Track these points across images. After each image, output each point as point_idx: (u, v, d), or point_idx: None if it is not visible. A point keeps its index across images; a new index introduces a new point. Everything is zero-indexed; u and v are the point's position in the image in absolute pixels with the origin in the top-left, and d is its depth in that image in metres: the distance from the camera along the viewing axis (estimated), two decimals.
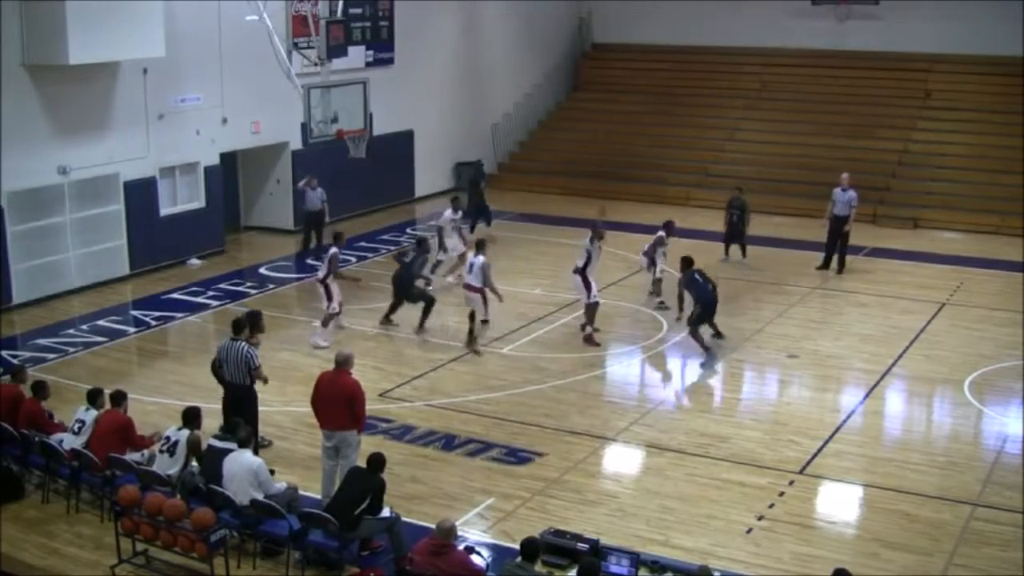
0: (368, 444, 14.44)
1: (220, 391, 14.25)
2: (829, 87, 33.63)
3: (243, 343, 13.91)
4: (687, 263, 19.31)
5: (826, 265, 24.04)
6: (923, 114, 32.26)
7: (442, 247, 22.84)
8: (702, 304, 18.84)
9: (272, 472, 12.45)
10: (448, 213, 22.95)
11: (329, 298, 19.26)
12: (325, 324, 19.38)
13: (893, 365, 18.38)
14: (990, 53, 31.76)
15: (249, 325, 14.38)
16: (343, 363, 13.14)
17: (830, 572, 10.08)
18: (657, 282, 21.48)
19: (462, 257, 22.17)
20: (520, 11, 35.09)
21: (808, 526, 13.03)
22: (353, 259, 24.62)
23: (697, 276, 19.04)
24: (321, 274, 19.41)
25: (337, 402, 12.94)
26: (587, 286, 19.36)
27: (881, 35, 33.38)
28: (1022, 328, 19.95)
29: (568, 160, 33.26)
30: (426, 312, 19.85)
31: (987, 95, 31.61)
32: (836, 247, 23.94)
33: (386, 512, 11.78)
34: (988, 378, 17.78)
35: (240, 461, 12.08)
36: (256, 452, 12.95)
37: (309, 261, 24.65)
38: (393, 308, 20.02)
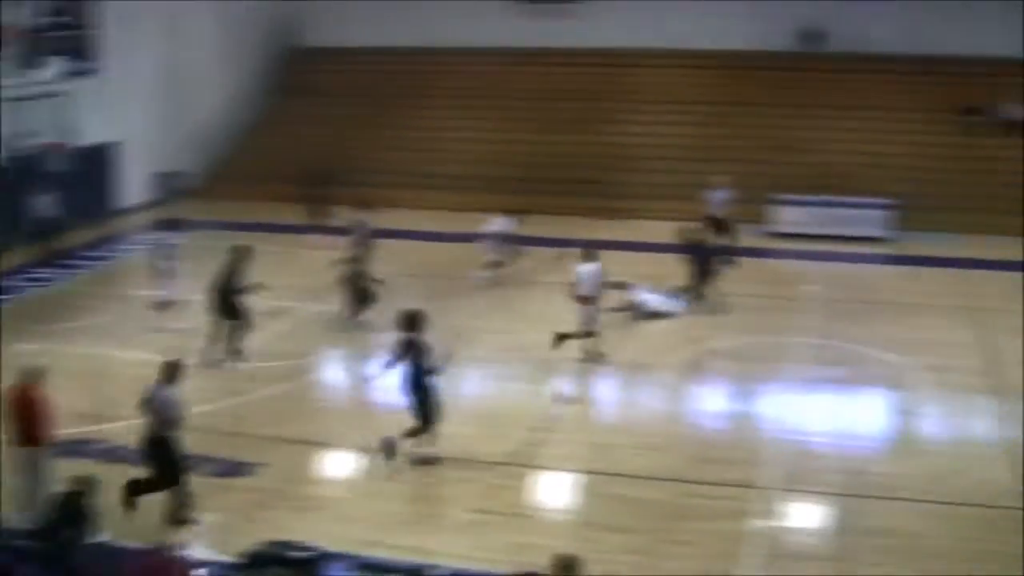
0: (77, 468, 13.89)
1: None
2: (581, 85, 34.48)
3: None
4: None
5: None
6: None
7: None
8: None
9: None
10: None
11: None
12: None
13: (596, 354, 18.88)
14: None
15: None
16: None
17: (549, 558, 9.97)
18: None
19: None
20: (223, 16, 34.49)
21: (525, 515, 13.42)
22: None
23: None
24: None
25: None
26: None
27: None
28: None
29: (276, 166, 32.51)
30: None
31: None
32: None
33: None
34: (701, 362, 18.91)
35: None
36: None
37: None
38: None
